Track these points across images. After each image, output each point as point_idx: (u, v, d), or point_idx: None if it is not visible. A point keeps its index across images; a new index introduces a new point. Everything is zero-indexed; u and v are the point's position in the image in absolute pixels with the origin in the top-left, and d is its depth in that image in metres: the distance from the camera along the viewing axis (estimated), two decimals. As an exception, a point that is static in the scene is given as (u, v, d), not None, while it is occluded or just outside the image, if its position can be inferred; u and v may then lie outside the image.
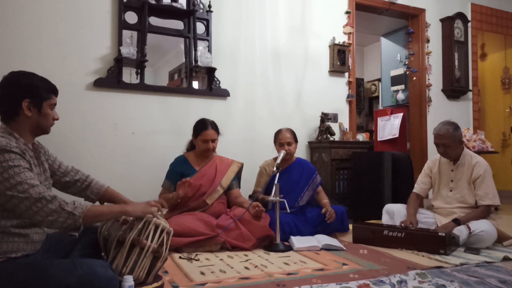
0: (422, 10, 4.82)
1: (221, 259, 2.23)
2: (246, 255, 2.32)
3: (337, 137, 4.07)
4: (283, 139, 2.97)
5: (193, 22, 3.45)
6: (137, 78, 3.29)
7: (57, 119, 1.62)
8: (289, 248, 2.49)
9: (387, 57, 5.81)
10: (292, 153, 3.00)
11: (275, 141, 3.06)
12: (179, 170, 2.77)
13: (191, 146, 2.97)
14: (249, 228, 2.50)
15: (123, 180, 3.10)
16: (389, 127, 4.28)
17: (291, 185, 2.92)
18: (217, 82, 3.56)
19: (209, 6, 3.53)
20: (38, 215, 1.36)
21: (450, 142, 2.67)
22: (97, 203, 1.85)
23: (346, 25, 4.27)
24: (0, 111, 1.52)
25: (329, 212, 2.76)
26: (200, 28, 3.53)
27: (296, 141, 3.04)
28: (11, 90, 1.50)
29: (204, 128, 2.77)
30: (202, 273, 1.95)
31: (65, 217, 1.38)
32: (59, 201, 1.39)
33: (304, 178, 2.98)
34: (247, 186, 3.18)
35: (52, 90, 1.60)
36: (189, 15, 3.45)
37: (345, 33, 4.27)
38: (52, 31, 3.02)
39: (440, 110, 4.83)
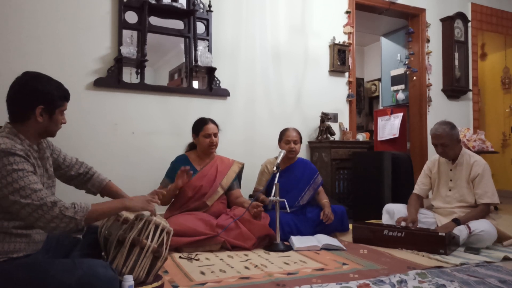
0: (422, 10, 4.82)
1: (221, 259, 2.23)
2: (246, 255, 2.32)
3: (337, 137, 4.07)
4: (290, 136, 2.97)
5: (193, 22, 3.45)
6: (137, 78, 3.29)
7: (64, 123, 1.59)
8: (289, 247, 2.49)
9: (387, 57, 5.80)
10: (297, 152, 3.01)
11: (280, 139, 3.05)
12: (179, 169, 2.76)
13: (190, 148, 2.96)
14: (249, 228, 2.50)
15: (123, 180, 3.06)
16: (389, 127, 4.28)
17: (292, 184, 2.93)
18: (217, 82, 3.56)
19: (209, 6, 3.53)
20: (39, 221, 1.35)
21: (448, 142, 2.67)
22: (98, 195, 1.87)
23: (346, 25, 4.27)
24: (10, 111, 1.49)
25: (326, 215, 2.76)
26: (200, 28, 3.53)
27: (301, 141, 3.05)
28: (25, 94, 1.47)
29: (204, 123, 2.79)
30: (202, 273, 1.95)
31: (66, 222, 1.38)
32: (59, 206, 1.37)
33: (305, 177, 2.98)
34: (247, 186, 3.18)
35: (65, 97, 1.57)
36: (189, 15, 3.45)
37: (345, 33, 4.27)
38: (52, 31, 3.02)
39: (440, 110, 4.83)
